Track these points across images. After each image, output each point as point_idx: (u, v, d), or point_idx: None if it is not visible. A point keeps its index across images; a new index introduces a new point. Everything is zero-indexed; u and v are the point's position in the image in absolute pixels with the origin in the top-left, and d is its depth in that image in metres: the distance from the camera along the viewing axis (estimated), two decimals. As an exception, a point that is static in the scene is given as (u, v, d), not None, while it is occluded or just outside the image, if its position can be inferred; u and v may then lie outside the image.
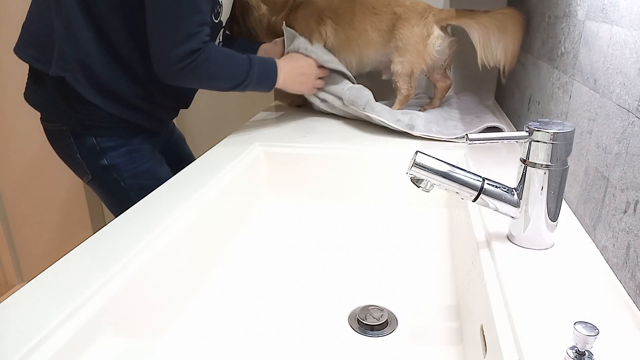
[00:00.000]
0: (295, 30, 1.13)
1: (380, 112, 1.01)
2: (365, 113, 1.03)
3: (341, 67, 1.12)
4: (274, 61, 0.99)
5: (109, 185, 1.02)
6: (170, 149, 1.17)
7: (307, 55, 1.07)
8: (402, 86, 1.09)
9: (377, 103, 1.04)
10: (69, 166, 1.05)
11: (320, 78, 1.10)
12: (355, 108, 1.06)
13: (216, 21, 0.97)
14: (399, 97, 1.10)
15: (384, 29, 1.07)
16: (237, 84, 0.94)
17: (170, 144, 1.18)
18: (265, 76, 0.97)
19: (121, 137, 1.00)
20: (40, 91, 0.97)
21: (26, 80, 1.00)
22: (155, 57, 0.88)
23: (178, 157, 1.19)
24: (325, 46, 1.13)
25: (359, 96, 1.05)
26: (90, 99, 0.93)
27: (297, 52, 1.08)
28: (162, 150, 1.12)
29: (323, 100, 1.14)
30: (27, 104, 1.01)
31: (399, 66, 1.07)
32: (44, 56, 0.92)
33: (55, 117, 0.98)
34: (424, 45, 1.05)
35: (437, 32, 1.06)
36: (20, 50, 0.95)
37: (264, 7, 1.14)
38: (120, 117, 0.98)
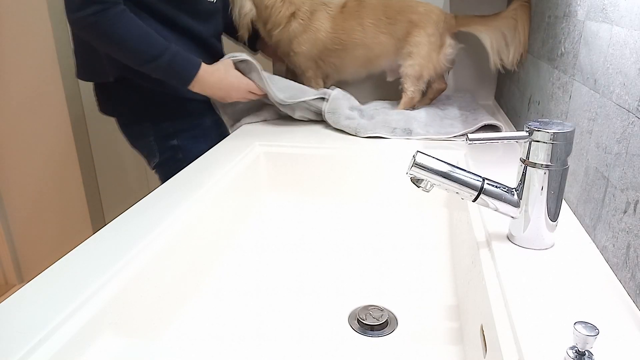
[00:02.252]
0: (296, 62, 1.11)
1: (373, 129, 0.99)
2: (361, 137, 1.01)
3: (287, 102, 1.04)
4: (198, 64, 0.96)
5: (173, 166, 1.01)
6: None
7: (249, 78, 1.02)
8: (409, 88, 1.09)
9: (364, 122, 1.01)
10: (139, 150, 1.10)
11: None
12: (350, 132, 1.02)
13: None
14: (404, 99, 1.10)
15: (399, 36, 1.07)
16: (142, 62, 0.92)
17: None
18: (178, 70, 0.95)
19: (191, 118, 1.05)
20: (112, 101, 1.05)
21: (95, 98, 1.08)
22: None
23: None
24: (328, 81, 1.14)
25: (349, 126, 1.01)
26: (154, 87, 0.99)
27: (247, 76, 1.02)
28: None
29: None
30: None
31: (410, 69, 1.07)
32: (100, 68, 0.99)
33: (134, 115, 1.05)
34: (437, 54, 1.07)
35: (449, 41, 1.07)
36: (81, 74, 1.03)
37: (248, 5, 1.07)
38: (185, 96, 1.02)
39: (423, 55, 1.06)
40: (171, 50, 0.93)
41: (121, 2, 0.89)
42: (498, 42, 1.05)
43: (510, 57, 1.04)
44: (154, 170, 1.11)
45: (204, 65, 0.97)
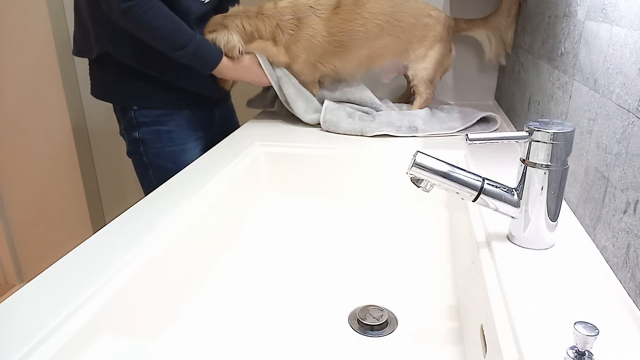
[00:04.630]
0: (294, 69, 1.10)
1: (379, 128, 1.00)
2: (368, 136, 1.01)
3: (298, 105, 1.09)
4: (220, 56, 1.03)
5: (136, 158, 1.11)
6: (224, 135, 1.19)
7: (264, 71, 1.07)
8: (424, 91, 1.09)
9: (367, 124, 1.01)
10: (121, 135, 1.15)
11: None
12: (355, 134, 1.02)
13: None
14: (419, 101, 1.11)
15: (411, 39, 1.06)
16: (172, 49, 0.98)
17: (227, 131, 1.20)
18: (202, 58, 1.01)
19: (158, 114, 1.07)
20: (98, 81, 1.09)
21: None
22: None
23: None
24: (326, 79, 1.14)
25: (354, 129, 1.01)
26: (134, 64, 1.02)
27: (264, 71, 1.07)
28: (213, 138, 1.16)
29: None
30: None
31: (423, 72, 1.08)
32: (87, 44, 1.04)
33: (111, 97, 1.09)
34: (448, 57, 1.10)
35: (452, 44, 1.11)
36: (76, 50, 1.08)
37: (235, 37, 1.04)
38: (163, 79, 1.04)
39: (437, 59, 1.07)
40: (197, 39, 0.99)
41: None
42: (496, 40, 1.11)
43: (506, 47, 1.12)
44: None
45: (225, 59, 1.03)
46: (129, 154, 1.13)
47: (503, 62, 1.14)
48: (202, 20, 1.07)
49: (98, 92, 1.10)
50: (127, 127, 1.09)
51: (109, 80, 1.07)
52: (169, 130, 1.09)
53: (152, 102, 1.07)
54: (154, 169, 1.10)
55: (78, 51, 1.09)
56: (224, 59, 1.03)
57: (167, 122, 1.08)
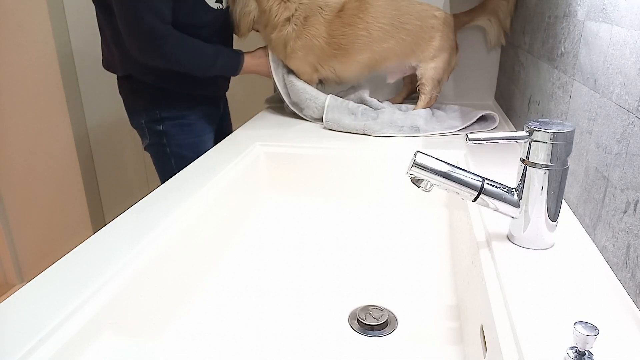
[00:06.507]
0: (292, 67, 1.12)
1: (381, 130, 1.00)
2: (370, 135, 1.01)
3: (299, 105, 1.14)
4: (241, 58, 1.12)
5: (158, 149, 1.20)
6: (218, 131, 1.31)
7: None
8: (430, 91, 1.09)
9: (370, 123, 1.01)
10: (136, 130, 1.23)
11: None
12: (357, 132, 1.03)
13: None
14: (423, 101, 1.11)
15: (417, 41, 1.06)
16: (203, 72, 1.11)
17: (222, 127, 1.32)
18: (228, 68, 1.13)
19: (180, 110, 1.17)
20: (121, 88, 1.20)
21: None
22: (124, 36, 1.03)
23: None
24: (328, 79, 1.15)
25: (355, 127, 1.02)
26: (156, 84, 1.12)
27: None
28: (215, 129, 1.28)
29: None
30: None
31: (433, 71, 1.08)
32: (113, 63, 1.15)
33: (133, 102, 1.20)
34: (455, 56, 1.11)
35: (456, 42, 1.11)
36: (104, 64, 1.20)
37: (253, 4, 1.08)
38: (182, 91, 1.15)
39: (445, 59, 1.08)
40: (219, 53, 1.09)
41: (170, 26, 1.01)
42: (497, 23, 1.13)
43: (504, 28, 1.14)
44: (145, 150, 1.25)
45: (246, 59, 1.13)
46: (150, 146, 1.21)
47: (503, 42, 1.15)
48: (215, 27, 1.11)
49: (130, 105, 1.20)
50: (150, 122, 1.17)
51: (140, 98, 1.16)
52: (190, 123, 1.18)
53: (174, 104, 1.16)
54: (176, 159, 1.18)
55: (107, 66, 1.20)
56: (245, 59, 1.12)
57: (188, 116, 1.18)
